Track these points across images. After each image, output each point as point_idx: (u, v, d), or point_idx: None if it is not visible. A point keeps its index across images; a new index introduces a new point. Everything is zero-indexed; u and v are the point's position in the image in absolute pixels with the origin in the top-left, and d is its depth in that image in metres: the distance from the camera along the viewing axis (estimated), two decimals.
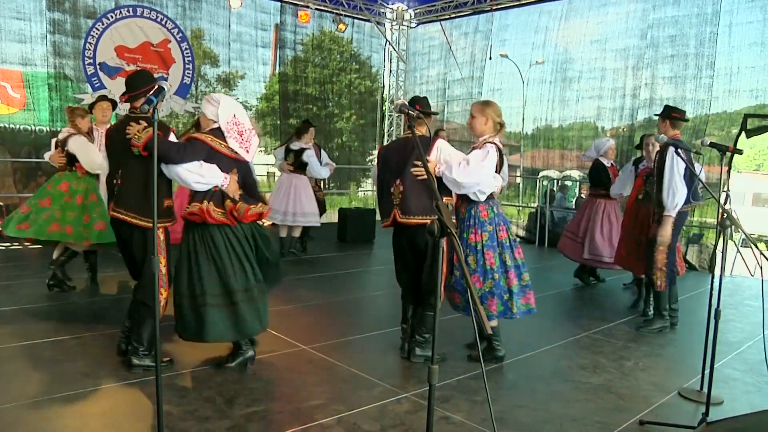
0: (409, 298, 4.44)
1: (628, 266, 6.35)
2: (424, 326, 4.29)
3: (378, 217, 10.95)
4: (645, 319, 5.69)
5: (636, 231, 6.03)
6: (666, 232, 5.15)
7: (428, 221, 3.94)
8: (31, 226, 5.49)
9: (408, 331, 4.45)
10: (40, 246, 6.24)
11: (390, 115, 13.63)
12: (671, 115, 5.28)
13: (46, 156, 5.86)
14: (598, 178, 7.17)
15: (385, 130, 13.65)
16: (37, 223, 5.47)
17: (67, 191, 5.59)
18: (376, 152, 14.11)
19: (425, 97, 4.43)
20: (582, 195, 12.08)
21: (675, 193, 5.05)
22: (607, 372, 4.35)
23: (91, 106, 5.91)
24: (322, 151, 8.90)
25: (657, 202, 5.29)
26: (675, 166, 5.04)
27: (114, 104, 5.94)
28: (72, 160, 5.59)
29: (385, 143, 13.46)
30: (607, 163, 7.11)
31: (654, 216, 5.40)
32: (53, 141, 5.84)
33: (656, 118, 5.48)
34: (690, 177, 5.11)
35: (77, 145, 5.53)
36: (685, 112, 5.44)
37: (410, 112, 2.43)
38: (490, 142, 4.18)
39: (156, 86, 2.48)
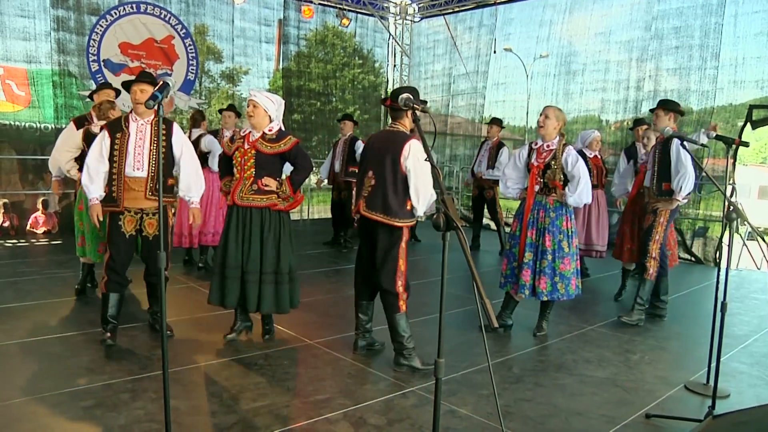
0: (364, 292, 4.36)
1: (630, 260, 6.32)
2: (396, 330, 4.07)
3: None
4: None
5: (635, 224, 6.07)
6: (671, 206, 5.25)
7: (387, 222, 3.98)
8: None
9: (363, 325, 4.39)
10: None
11: None
12: (677, 109, 5.30)
13: (69, 154, 5.32)
14: None
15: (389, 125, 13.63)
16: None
17: None
18: None
19: (415, 89, 4.27)
20: None
21: (689, 180, 5.11)
22: (613, 365, 4.35)
23: (92, 94, 5.65)
24: (358, 142, 8.57)
25: (659, 191, 5.33)
26: (686, 155, 5.09)
27: (117, 93, 5.66)
28: None
29: None
30: (590, 154, 7.12)
31: (649, 206, 5.45)
32: (79, 133, 5.28)
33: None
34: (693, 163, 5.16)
35: None
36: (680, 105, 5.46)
37: (415, 106, 2.42)
38: (568, 145, 4.67)
39: (161, 82, 2.48)
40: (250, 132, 4.36)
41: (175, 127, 4.45)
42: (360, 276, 4.35)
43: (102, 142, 4.30)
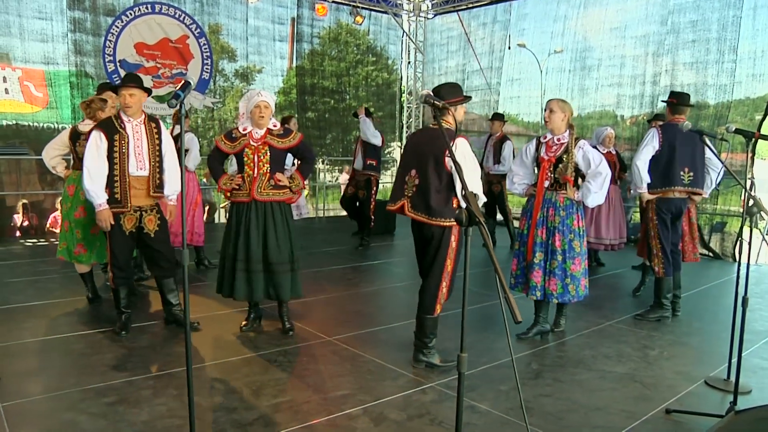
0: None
1: None
2: (424, 330, 4.07)
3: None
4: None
5: None
6: (644, 199, 5.34)
7: (431, 222, 3.92)
8: (89, 248, 5.20)
9: None
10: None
11: (408, 107, 13.60)
12: (669, 100, 5.35)
13: (55, 151, 5.28)
14: None
15: (404, 122, 13.63)
16: (95, 244, 5.20)
17: None
18: (395, 144, 14.20)
19: (454, 84, 4.20)
20: None
21: (635, 172, 5.23)
22: (632, 361, 4.34)
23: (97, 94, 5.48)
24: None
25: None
26: (643, 145, 5.21)
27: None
28: None
29: (404, 134, 13.49)
30: (603, 150, 7.15)
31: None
32: (67, 130, 5.25)
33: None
34: (668, 161, 5.18)
35: None
36: (687, 96, 5.43)
37: (436, 102, 2.42)
38: (580, 139, 4.62)
39: (182, 81, 2.51)
40: (252, 130, 4.48)
41: (162, 125, 4.61)
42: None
43: (99, 144, 4.34)
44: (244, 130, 4.49)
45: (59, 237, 5.35)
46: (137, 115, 4.46)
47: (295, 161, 5.93)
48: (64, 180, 5.39)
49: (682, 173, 5.21)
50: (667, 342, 4.82)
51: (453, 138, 3.86)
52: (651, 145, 5.17)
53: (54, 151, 5.30)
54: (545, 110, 4.66)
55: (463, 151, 3.86)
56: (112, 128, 4.38)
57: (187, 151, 6.70)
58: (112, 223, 4.39)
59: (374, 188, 8.64)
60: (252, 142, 4.44)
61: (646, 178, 5.20)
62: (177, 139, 6.72)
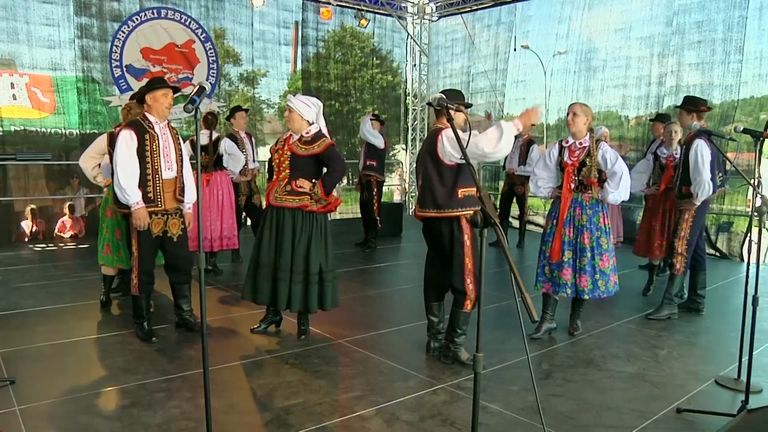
0: (432, 293, 4.38)
1: (660, 255, 6.32)
2: (452, 323, 4.17)
3: (404, 211, 10.98)
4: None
5: (666, 220, 6.04)
6: (692, 209, 5.29)
7: (440, 215, 4.02)
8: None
9: (435, 326, 4.39)
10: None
11: (413, 109, 13.62)
12: (699, 108, 5.31)
13: (94, 160, 5.27)
14: None
15: (409, 125, 13.64)
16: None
17: None
18: (399, 146, 14.24)
19: (457, 90, 4.32)
20: None
21: (704, 188, 5.14)
22: (641, 361, 4.35)
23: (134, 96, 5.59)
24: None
25: (679, 194, 5.41)
26: (704, 160, 5.12)
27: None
28: None
29: (409, 136, 13.52)
30: None
31: (677, 205, 5.52)
32: (104, 137, 5.23)
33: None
34: (710, 169, 5.17)
35: None
36: (706, 101, 5.45)
37: (449, 105, 2.45)
38: (600, 141, 4.66)
39: (198, 87, 2.53)
40: (290, 135, 4.50)
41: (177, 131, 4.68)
42: (428, 277, 4.38)
43: (130, 142, 4.32)
44: (285, 135, 4.54)
45: (99, 245, 5.23)
46: (163, 118, 4.49)
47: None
48: (104, 188, 5.32)
49: (716, 177, 5.26)
50: (676, 342, 4.83)
51: (440, 132, 4.01)
52: (710, 160, 5.13)
53: (92, 160, 5.27)
54: (568, 114, 4.71)
55: (452, 137, 3.93)
56: (141, 128, 4.38)
57: (230, 155, 6.79)
58: (149, 221, 4.37)
59: (375, 189, 8.65)
60: (285, 147, 4.46)
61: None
62: (216, 144, 6.70)
